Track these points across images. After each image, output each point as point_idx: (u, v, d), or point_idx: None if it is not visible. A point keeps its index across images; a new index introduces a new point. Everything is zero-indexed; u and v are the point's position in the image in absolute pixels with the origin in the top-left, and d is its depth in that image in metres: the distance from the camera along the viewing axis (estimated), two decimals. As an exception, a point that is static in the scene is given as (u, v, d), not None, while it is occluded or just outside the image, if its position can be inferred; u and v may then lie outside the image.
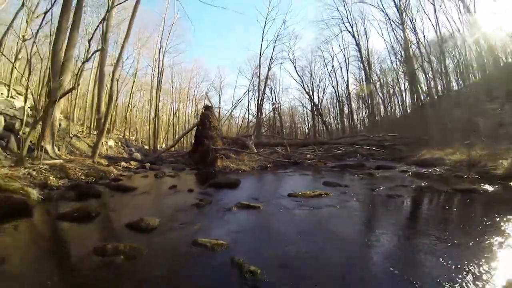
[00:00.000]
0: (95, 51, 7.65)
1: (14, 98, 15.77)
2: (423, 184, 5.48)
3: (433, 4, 20.54)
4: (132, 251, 2.28)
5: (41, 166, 6.33)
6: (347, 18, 25.76)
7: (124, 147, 19.12)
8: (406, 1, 20.61)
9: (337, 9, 26.29)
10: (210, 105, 14.95)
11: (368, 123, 27.00)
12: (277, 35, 27.90)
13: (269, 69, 27.58)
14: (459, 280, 1.76)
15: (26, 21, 16.33)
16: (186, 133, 17.16)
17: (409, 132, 17.89)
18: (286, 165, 10.58)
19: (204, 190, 5.37)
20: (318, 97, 31.22)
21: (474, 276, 1.81)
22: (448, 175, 7.12)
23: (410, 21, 20.92)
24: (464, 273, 1.85)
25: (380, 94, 26.77)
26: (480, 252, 2.20)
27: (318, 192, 4.58)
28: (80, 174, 6.80)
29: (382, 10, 22.49)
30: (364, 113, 29.66)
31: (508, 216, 3.09)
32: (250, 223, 3.23)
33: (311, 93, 30.18)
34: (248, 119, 30.98)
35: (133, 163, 10.85)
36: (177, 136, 32.05)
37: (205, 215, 3.61)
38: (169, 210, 3.81)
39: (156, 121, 21.34)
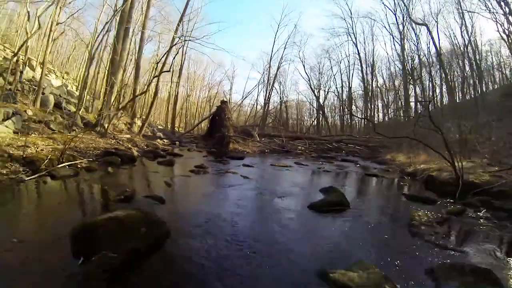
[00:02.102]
0: (162, 72, 11.80)
1: (48, 77, 19.87)
2: (352, 170, 9.63)
3: (436, 21, 23.79)
4: (205, 171, 6.57)
5: (122, 138, 10.65)
6: (352, 29, 29.21)
7: (148, 127, 23.56)
8: (407, 18, 23.92)
9: (344, 19, 29.75)
10: (225, 100, 19.12)
11: (365, 124, 30.70)
12: (288, 38, 31.56)
13: (278, 67, 31.49)
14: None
15: (59, 8, 20.37)
16: (204, 119, 21.46)
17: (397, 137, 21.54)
18: (280, 152, 14.80)
19: (224, 159, 9.67)
20: (325, 94, 35.04)
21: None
22: (382, 169, 11.18)
23: (415, 33, 24.11)
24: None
25: (385, 98, 30.29)
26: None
27: (287, 165, 8.83)
28: (143, 145, 11.10)
29: (384, 27, 25.94)
30: (366, 113, 33.24)
31: (375, 185, 7.28)
32: (248, 169, 7.54)
33: (316, 91, 34.03)
34: (256, 109, 34.98)
35: (165, 141, 15.15)
36: (188, 118, 36.39)
37: (227, 166, 7.94)
38: (209, 163, 8.13)
39: (176, 106, 25.59)
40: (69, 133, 10.41)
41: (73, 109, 13.72)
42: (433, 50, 21.02)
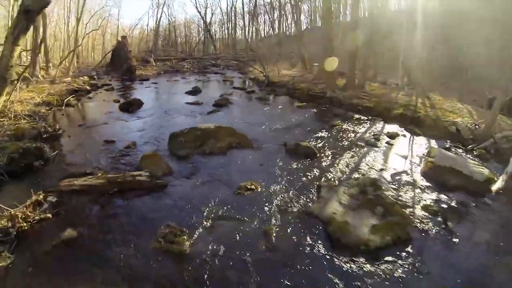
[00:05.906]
0: (91, 30, 17.22)
1: None
2: (218, 79, 18.82)
3: None
4: (134, 88, 14.71)
5: (67, 81, 16.81)
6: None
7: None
8: None
9: None
10: (125, 35, 24.67)
11: (246, 41, 38.72)
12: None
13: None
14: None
15: None
16: (109, 52, 25.99)
17: (272, 53, 29.88)
18: (172, 72, 22.75)
19: (137, 81, 17.58)
20: (212, 14, 40.92)
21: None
22: (239, 77, 20.50)
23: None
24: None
25: (269, 15, 37.20)
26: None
27: (176, 80, 17.55)
28: (83, 83, 17.37)
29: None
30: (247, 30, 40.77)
31: (223, 84, 16.70)
32: (155, 84, 16.24)
33: (202, 12, 39.52)
34: (148, 34, 38.99)
35: (85, 77, 20.88)
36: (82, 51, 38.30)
37: (142, 84, 16.47)
38: (132, 85, 16.08)
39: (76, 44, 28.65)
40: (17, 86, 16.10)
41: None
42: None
